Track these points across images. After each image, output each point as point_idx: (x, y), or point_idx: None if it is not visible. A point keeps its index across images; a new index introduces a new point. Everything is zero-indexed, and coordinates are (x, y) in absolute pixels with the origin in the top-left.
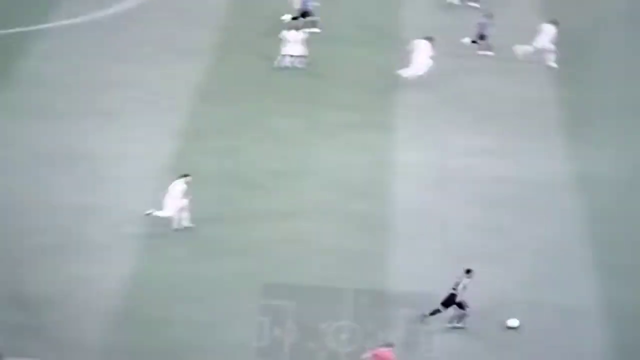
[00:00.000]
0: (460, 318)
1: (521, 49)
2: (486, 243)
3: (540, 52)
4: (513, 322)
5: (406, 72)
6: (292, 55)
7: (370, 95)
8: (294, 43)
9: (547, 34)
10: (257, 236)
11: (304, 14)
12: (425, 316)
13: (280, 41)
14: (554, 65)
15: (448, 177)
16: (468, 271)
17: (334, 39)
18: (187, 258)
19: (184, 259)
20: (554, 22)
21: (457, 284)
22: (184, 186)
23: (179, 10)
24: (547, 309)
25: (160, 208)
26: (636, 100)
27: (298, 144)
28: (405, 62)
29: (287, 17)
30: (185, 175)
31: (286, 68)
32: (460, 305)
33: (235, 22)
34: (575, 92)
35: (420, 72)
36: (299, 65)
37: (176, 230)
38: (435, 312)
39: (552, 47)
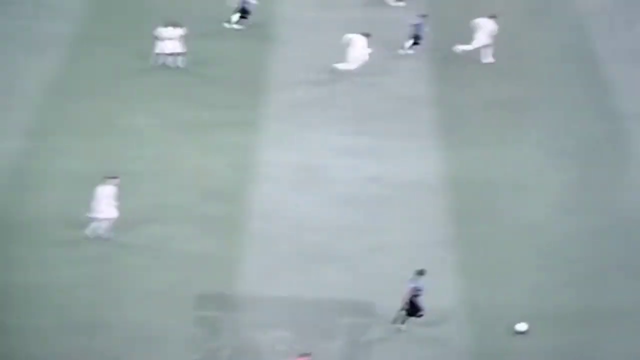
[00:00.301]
0: (403, 320)
1: (460, 48)
2: (345, 245)
3: (479, 49)
4: (521, 327)
5: (341, 66)
6: (168, 53)
7: (240, 93)
8: (169, 40)
9: (484, 29)
10: (110, 242)
11: (243, 12)
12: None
13: (154, 38)
14: (492, 60)
15: (313, 177)
16: (420, 272)
17: (209, 35)
18: (35, 265)
19: (30, 266)
20: (493, 17)
21: (417, 289)
22: (114, 189)
23: (35, 1)
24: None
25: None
26: (511, 100)
27: (155, 143)
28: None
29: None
30: (113, 177)
31: (163, 65)
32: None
33: (99, 15)
34: (454, 91)
35: (353, 67)
36: (180, 65)
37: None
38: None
39: (490, 41)
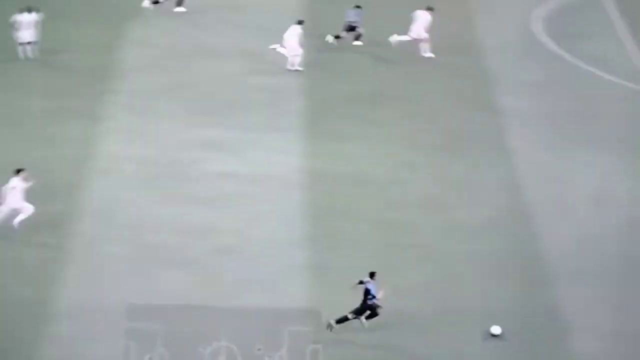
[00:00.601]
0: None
1: (396, 39)
2: (187, 246)
3: (415, 41)
4: (496, 330)
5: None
6: (27, 43)
7: (87, 81)
8: (26, 27)
9: (421, 21)
10: None
11: None
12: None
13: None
14: (431, 55)
15: (161, 173)
16: (372, 275)
17: (58, 17)
18: None
19: None
20: (429, 9)
21: (368, 291)
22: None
23: None
24: (253, 314)
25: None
26: (387, 93)
27: None
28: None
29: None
30: (20, 170)
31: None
32: (372, 308)
33: None
34: (326, 82)
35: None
36: (30, 55)
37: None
38: (344, 319)
39: (427, 35)
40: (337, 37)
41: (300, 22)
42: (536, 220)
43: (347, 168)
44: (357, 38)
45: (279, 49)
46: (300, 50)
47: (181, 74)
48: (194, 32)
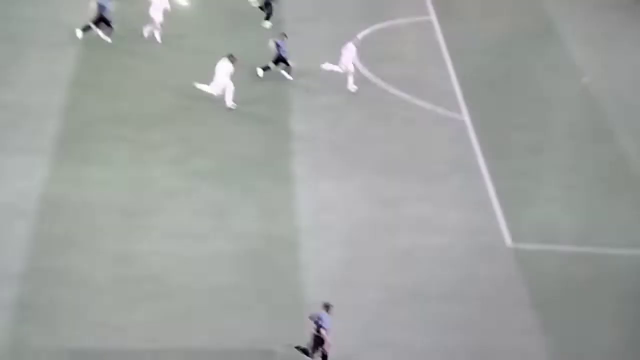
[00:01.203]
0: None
1: (328, 67)
2: None
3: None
4: None
5: (206, 89)
6: None
7: None
8: None
9: (349, 53)
10: None
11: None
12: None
13: None
14: (354, 88)
15: None
16: (327, 307)
17: None
18: None
19: None
20: (356, 40)
21: (318, 324)
22: None
23: None
24: None
25: None
26: (154, 114)
27: None
28: None
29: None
30: None
31: None
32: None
33: None
34: (87, 103)
35: (216, 92)
36: None
37: None
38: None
39: (352, 68)
40: (265, 68)
41: (230, 57)
42: (301, 248)
43: (95, 195)
44: (286, 69)
45: (203, 88)
46: (230, 86)
47: None
48: None
